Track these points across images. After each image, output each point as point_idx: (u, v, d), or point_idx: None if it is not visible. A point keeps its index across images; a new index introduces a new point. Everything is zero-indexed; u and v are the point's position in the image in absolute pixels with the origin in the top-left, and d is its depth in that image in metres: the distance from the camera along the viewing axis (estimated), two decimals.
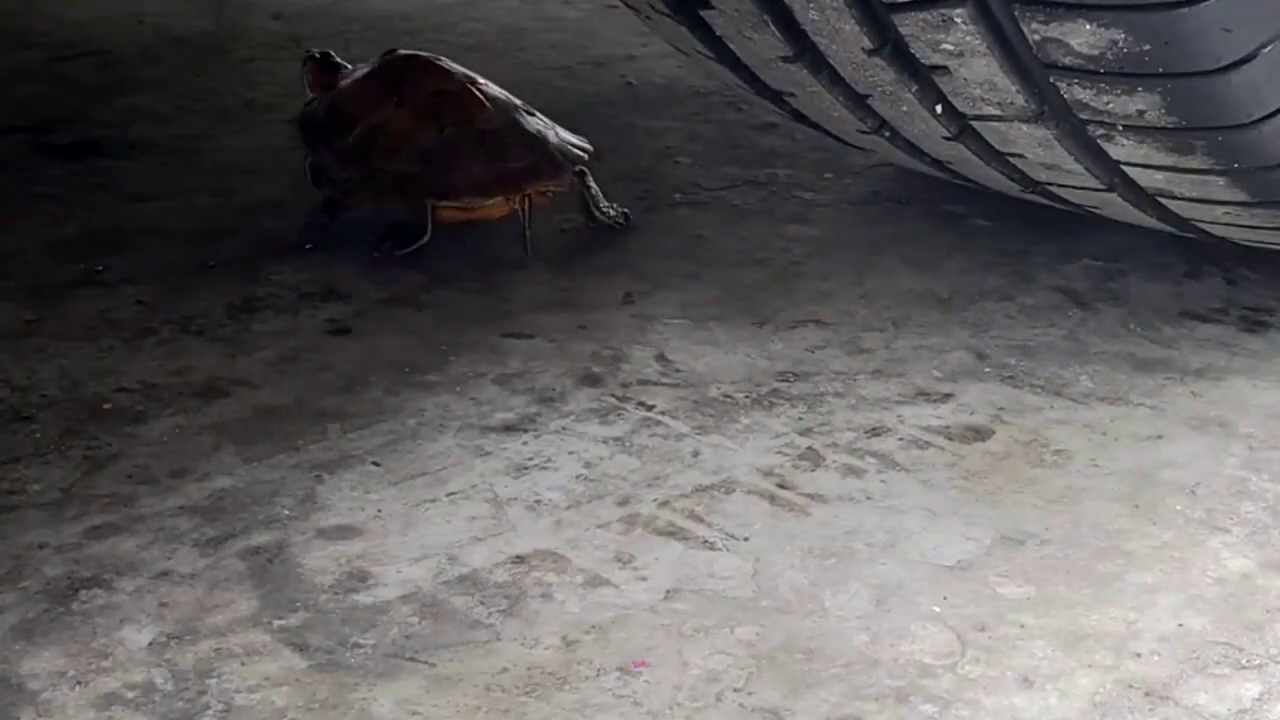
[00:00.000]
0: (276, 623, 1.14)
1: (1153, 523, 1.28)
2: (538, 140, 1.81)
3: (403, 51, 1.92)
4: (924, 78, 1.41)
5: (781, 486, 1.33)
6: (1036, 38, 1.27)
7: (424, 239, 1.78)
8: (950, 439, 1.40)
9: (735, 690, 1.08)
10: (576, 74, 2.51)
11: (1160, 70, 1.27)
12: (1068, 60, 1.29)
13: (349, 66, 1.96)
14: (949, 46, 1.33)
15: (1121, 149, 1.41)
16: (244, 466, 1.35)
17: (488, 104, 1.81)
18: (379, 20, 2.82)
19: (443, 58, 1.90)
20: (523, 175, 1.78)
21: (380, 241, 1.79)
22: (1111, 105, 1.33)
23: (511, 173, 1.78)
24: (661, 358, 1.55)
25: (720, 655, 1.11)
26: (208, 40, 2.68)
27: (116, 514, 1.27)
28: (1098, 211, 1.67)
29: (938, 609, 1.16)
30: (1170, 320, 1.64)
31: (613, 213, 1.89)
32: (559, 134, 1.85)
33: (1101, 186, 1.52)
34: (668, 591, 1.18)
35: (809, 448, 1.39)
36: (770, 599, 1.18)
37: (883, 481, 1.34)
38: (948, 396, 1.48)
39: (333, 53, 2.00)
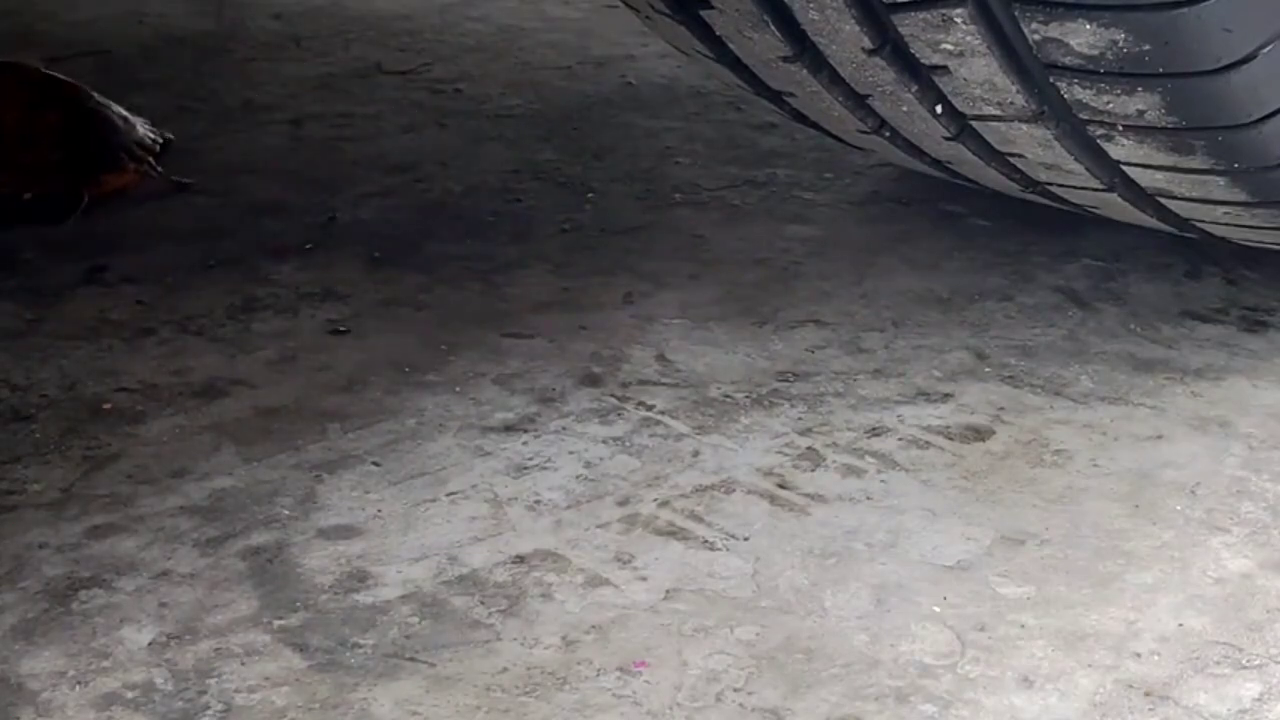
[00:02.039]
0: (276, 623, 1.14)
1: (1153, 523, 1.28)
2: (125, 113, 1.97)
3: None
4: (924, 78, 1.41)
5: (781, 486, 1.33)
6: (1036, 38, 1.27)
7: (84, 202, 1.88)
8: (950, 439, 1.40)
9: (735, 690, 1.08)
10: (576, 74, 2.51)
11: (1160, 70, 1.27)
12: (1068, 60, 1.28)
13: None
14: (949, 46, 1.33)
15: (1121, 149, 1.41)
16: (244, 466, 1.35)
17: (80, 85, 1.94)
18: (378, 20, 2.82)
19: None
20: (145, 143, 1.95)
21: (43, 214, 1.87)
22: (1111, 105, 1.33)
23: (140, 140, 1.94)
24: (661, 358, 1.55)
25: (720, 655, 1.11)
26: (208, 40, 2.68)
27: (116, 514, 1.27)
28: (1098, 211, 1.67)
29: (938, 609, 1.16)
30: (1170, 320, 1.64)
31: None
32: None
33: (1101, 186, 1.51)
34: (668, 591, 1.18)
35: (809, 448, 1.39)
36: (770, 599, 1.18)
37: (883, 481, 1.34)
38: (948, 396, 1.48)
39: None
